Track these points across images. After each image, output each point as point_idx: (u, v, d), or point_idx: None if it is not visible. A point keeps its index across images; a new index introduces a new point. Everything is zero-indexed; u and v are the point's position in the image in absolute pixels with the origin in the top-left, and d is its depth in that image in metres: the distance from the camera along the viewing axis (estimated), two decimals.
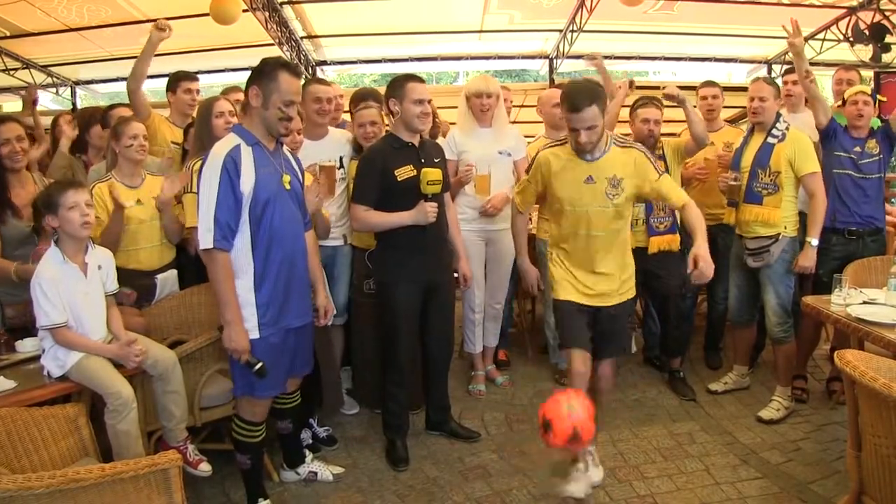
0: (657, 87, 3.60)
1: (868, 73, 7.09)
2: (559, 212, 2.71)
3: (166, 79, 3.83)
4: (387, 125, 3.25)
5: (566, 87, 2.59)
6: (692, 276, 2.48)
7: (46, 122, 4.53)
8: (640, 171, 2.60)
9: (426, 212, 2.84)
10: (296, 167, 2.55)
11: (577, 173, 2.60)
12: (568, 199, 2.63)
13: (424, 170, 2.84)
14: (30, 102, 4.32)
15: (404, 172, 2.87)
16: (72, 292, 2.43)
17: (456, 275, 3.32)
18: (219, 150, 2.28)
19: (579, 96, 2.45)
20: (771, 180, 3.31)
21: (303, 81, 2.65)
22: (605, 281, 2.70)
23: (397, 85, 2.88)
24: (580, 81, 2.66)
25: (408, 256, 2.92)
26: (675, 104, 3.43)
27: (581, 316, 2.71)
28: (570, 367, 2.68)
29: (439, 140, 3.76)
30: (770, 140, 3.33)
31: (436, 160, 2.99)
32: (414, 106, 2.84)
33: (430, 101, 2.92)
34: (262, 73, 2.32)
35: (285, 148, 2.55)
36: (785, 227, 3.31)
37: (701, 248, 2.47)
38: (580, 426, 2.19)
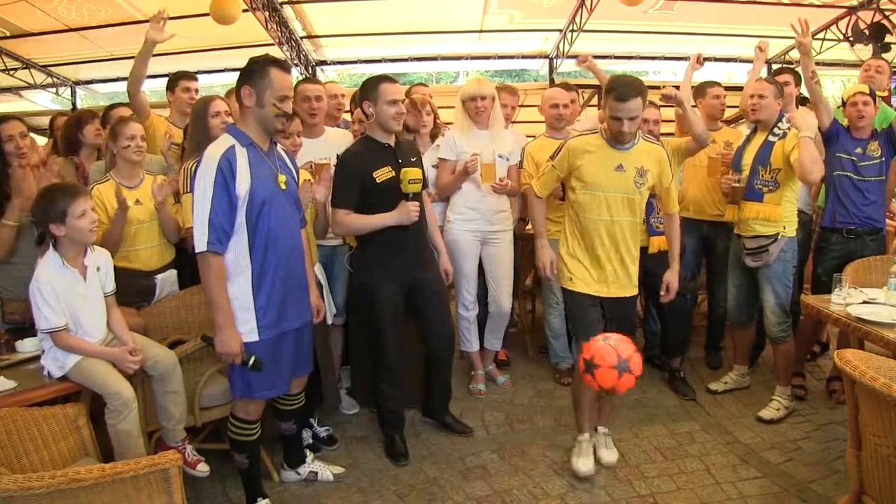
0: (657, 88, 3.60)
1: None
2: (581, 200, 2.80)
3: (166, 79, 3.83)
4: None
5: (614, 79, 2.74)
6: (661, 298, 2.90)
7: (44, 121, 4.51)
8: (662, 168, 2.81)
9: (409, 211, 2.85)
10: (291, 166, 2.54)
11: (608, 160, 2.75)
12: (596, 183, 2.77)
13: (405, 169, 2.84)
14: None
15: (383, 174, 2.86)
16: (71, 296, 2.42)
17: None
18: (213, 153, 2.26)
19: (628, 87, 2.61)
20: (771, 177, 3.31)
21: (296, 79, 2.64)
22: (623, 269, 2.83)
23: (370, 87, 2.86)
24: (628, 76, 2.82)
25: (389, 256, 2.93)
26: (674, 105, 3.44)
27: (594, 308, 2.84)
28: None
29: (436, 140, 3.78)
30: (771, 138, 3.34)
31: (412, 159, 2.99)
32: (388, 107, 2.83)
33: (405, 101, 2.95)
34: (253, 72, 2.30)
35: (279, 147, 2.54)
36: (784, 227, 3.31)
37: (673, 274, 2.93)
38: (628, 359, 2.32)
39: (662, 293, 2.92)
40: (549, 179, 2.93)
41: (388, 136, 2.92)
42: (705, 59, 4.05)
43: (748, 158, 3.40)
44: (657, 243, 3.55)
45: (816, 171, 3.13)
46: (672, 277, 2.92)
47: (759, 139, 3.40)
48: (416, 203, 2.87)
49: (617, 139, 2.73)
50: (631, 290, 2.88)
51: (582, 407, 2.91)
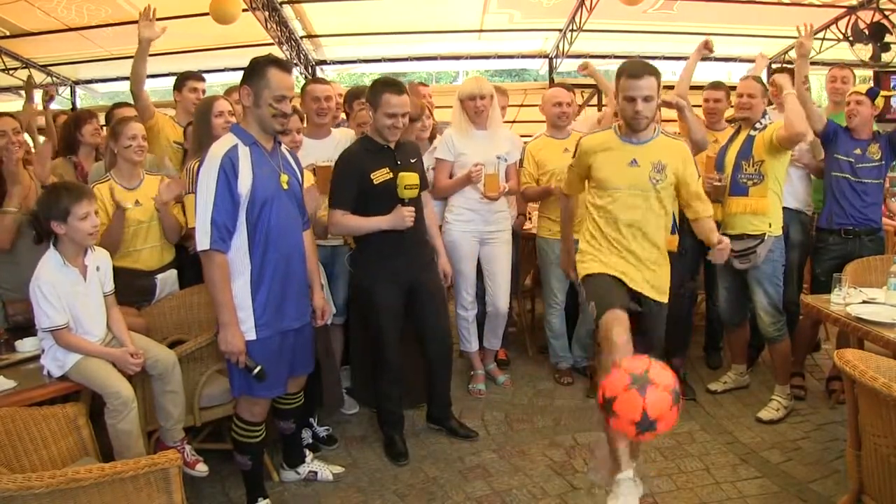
0: None
1: (867, 73, 7.09)
2: (598, 202, 2.64)
3: (166, 78, 3.83)
4: None
5: (625, 62, 2.66)
6: (713, 254, 2.62)
7: (43, 120, 4.52)
8: (685, 165, 2.63)
9: (403, 216, 2.82)
10: (294, 166, 2.55)
11: (621, 155, 2.58)
12: (607, 180, 2.60)
13: (401, 174, 2.82)
14: (47, 100, 4.29)
15: (380, 175, 2.85)
16: (71, 295, 2.42)
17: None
18: (216, 151, 2.27)
19: (640, 65, 2.53)
20: (755, 170, 3.30)
21: (301, 80, 2.64)
22: (649, 272, 2.64)
23: (374, 92, 2.83)
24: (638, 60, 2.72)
25: (387, 258, 2.92)
26: (674, 110, 3.45)
27: (619, 284, 2.56)
28: (609, 337, 2.31)
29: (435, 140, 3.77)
30: (752, 133, 3.34)
31: (412, 160, 2.98)
32: (385, 118, 2.81)
33: (405, 115, 2.84)
34: (252, 72, 2.32)
35: (283, 147, 2.54)
36: (770, 226, 3.30)
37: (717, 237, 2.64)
38: (653, 408, 1.78)
39: (720, 247, 2.57)
40: (572, 179, 2.89)
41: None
42: (704, 59, 4.02)
43: (731, 157, 3.39)
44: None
45: (801, 123, 3.10)
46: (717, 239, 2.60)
47: (741, 138, 3.40)
48: (412, 208, 2.85)
49: (632, 127, 2.54)
50: (660, 295, 2.65)
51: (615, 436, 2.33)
